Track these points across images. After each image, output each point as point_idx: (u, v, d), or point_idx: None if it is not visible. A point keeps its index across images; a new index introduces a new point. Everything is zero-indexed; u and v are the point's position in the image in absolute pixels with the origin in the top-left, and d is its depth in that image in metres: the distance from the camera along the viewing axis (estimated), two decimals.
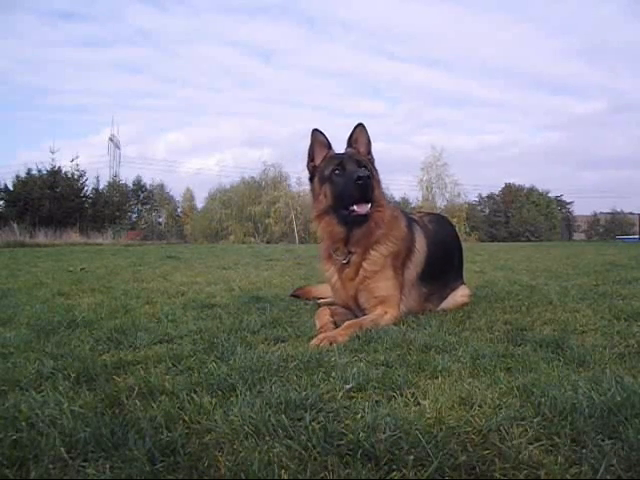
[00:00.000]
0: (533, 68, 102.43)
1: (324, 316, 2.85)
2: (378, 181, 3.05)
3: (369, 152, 3.08)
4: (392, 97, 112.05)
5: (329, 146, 3.07)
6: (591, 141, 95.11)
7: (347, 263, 3.00)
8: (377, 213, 2.95)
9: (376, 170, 3.07)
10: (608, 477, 1.13)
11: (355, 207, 2.81)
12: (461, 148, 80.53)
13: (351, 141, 3.05)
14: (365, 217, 2.84)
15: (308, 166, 3.11)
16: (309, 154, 3.09)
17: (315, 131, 3.08)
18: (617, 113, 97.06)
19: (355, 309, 3.04)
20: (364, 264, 2.97)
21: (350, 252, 2.99)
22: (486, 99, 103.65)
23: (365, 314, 2.92)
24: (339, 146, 3.09)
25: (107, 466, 1.17)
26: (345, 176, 2.84)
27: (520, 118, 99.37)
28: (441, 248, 3.38)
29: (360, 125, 3.07)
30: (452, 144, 77.71)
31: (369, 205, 2.82)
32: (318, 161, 3.04)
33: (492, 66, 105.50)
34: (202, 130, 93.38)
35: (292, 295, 4.00)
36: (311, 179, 3.10)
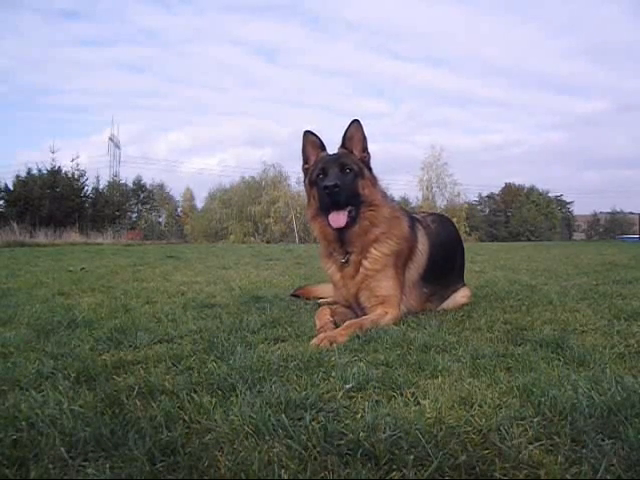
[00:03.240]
0: (536, 68, 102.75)
1: (324, 316, 2.85)
2: (371, 179, 2.99)
3: (365, 149, 3.02)
4: (395, 97, 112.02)
5: (322, 147, 3.03)
6: (594, 141, 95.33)
7: (346, 262, 3.00)
8: (370, 212, 2.93)
9: (370, 168, 3.02)
10: (608, 477, 1.13)
11: (329, 218, 2.81)
12: (464, 148, 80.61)
13: (345, 139, 3.00)
14: (344, 228, 2.83)
15: (303, 168, 3.09)
16: (303, 156, 3.07)
17: (307, 132, 3.05)
18: (620, 113, 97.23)
19: (356, 307, 3.04)
20: (365, 262, 2.96)
21: (348, 252, 2.99)
22: (489, 99, 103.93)
23: (366, 313, 2.92)
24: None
25: (107, 466, 1.17)
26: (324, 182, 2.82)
27: (523, 118, 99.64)
28: (443, 249, 3.37)
29: (355, 121, 3.00)
30: (455, 144, 77.74)
31: (344, 215, 2.80)
32: (311, 163, 3.03)
33: (495, 66, 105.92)
34: (204, 130, 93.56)
35: (292, 295, 4.00)
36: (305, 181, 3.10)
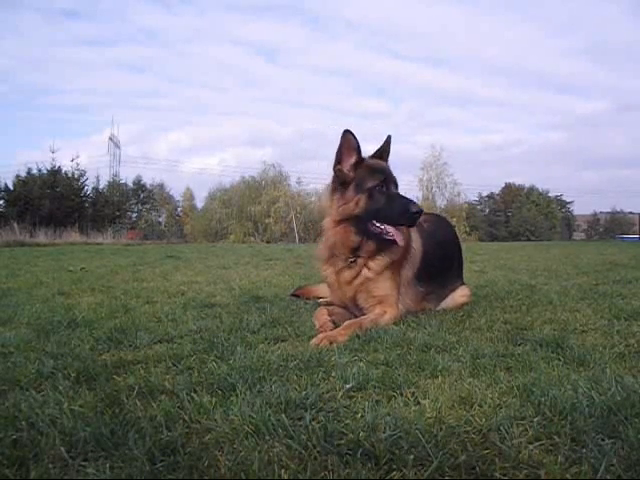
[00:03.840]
0: (536, 67, 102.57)
1: (322, 316, 2.86)
2: None
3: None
4: (395, 96, 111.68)
5: (358, 150, 2.95)
6: (594, 141, 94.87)
7: (353, 262, 2.98)
8: None
9: None
10: (608, 477, 1.13)
11: (391, 232, 2.86)
12: (464, 148, 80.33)
13: (382, 152, 3.13)
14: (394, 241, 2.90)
15: (334, 168, 2.97)
16: (337, 156, 2.96)
17: (346, 132, 2.94)
18: (620, 113, 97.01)
19: (353, 309, 3.04)
20: (364, 272, 2.98)
21: (356, 257, 2.99)
22: (489, 98, 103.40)
23: (363, 313, 2.92)
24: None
25: (107, 466, 1.17)
26: (389, 198, 2.89)
27: (523, 117, 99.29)
28: (438, 247, 3.38)
29: (390, 137, 3.18)
30: (455, 144, 77.40)
31: (400, 231, 2.90)
32: (346, 164, 2.94)
33: (495, 65, 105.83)
34: (204, 130, 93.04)
35: (292, 295, 4.00)
36: (342, 183, 2.96)
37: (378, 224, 2.87)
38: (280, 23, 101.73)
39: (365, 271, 2.97)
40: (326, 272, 3.14)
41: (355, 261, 2.99)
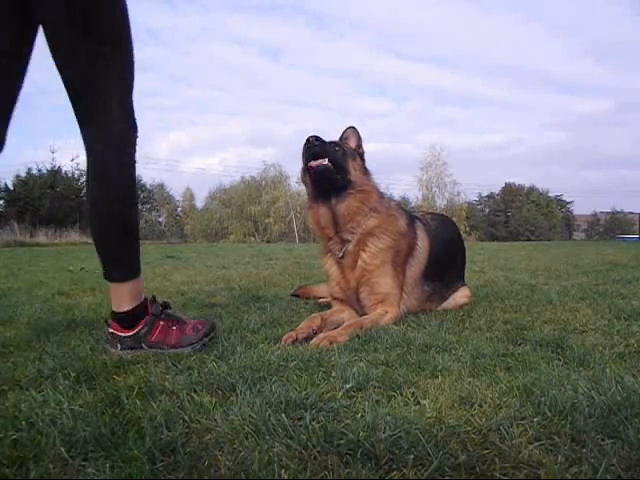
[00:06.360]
0: (538, 67, 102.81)
1: (309, 322, 2.66)
2: (362, 167, 3.04)
3: (359, 146, 3.11)
4: (398, 96, 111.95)
5: None
6: (594, 141, 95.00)
7: (342, 257, 2.98)
8: (361, 195, 2.94)
9: (362, 160, 3.08)
10: (608, 477, 1.13)
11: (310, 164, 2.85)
12: (464, 148, 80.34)
13: (342, 139, 3.10)
14: (319, 173, 2.83)
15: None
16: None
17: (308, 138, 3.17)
18: (621, 113, 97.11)
19: (355, 303, 3.03)
20: (363, 255, 2.95)
21: (344, 241, 2.97)
22: (491, 98, 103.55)
23: (365, 311, 2.92)
24: None
25: (107, 465, 1.17)
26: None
27: (524, 117, 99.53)
28: (444, 246, 3.38)
29: (351, 127, 3.11)
30: (456, 144, 77.29)
31: (324, 160, 2.80)
32: None
33: (497, 65, 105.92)
34: (206, 129, 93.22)
35: (292, 294, 4.00)
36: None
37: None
38: (284, 23, 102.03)
39: (364, 256, 2.95)
40: (327, 264, 3.12)
41: (344, 256, 2.97)
